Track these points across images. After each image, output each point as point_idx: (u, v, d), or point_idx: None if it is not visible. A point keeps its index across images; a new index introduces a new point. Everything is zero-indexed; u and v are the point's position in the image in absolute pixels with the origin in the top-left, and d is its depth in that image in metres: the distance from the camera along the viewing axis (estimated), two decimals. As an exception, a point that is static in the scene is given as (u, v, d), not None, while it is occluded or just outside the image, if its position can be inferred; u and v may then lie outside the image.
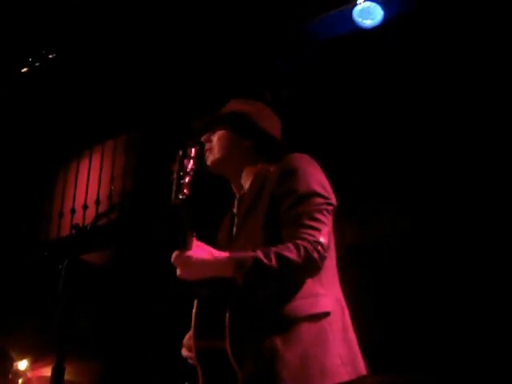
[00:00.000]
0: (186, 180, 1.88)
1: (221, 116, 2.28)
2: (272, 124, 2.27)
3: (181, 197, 1.85)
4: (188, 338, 2.10)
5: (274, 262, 1.82)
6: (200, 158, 2.02)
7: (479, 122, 4.51)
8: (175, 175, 1.90)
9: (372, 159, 4.79)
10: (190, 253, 1.86)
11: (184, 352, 2.11)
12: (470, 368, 4.12)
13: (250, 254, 1.86)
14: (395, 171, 4.68)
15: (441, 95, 4.71)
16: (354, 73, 5.04)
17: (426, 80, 4.75)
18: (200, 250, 1.88)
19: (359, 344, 2.00)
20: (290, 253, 1.83)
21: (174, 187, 1.87)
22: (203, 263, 1.87)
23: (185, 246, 1.85)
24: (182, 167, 1.90)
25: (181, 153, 1.95)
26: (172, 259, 1.89)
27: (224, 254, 1.89)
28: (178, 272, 1.90)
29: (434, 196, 4.54)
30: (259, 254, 1.84)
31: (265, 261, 1.82)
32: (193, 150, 1.97)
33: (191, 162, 1.93)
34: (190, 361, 2.09)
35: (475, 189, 4.40)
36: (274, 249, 1.85)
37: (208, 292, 1.97)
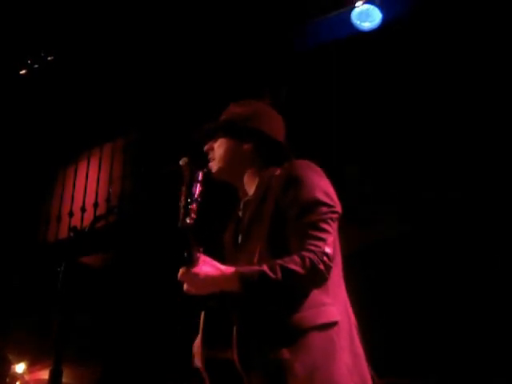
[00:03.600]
0: (194, 206, 1.91)
1: (218, 123, 2.27)
2: (271, 125, 2.24)
3: (188, 221, 1.88)
4: (197, 347, 2.10)
5: (279, 275, 1.82)
6: (206, 180, 2.05)
7: (478, 122, 4.51)
8: (183, 199, 1.94)
9: (371, 159, 4.79)
10: (196, 269, 1.87)
11: (197, 362, 2.10)
12: (469, 369, 4.12)
13: (256, 268, 1.87)
14: (395, 171, 4.68)
15: (439, 97, 4.72)
16: (352, 75, 5.04)
17: (425, 82, 4.76)
18: (206, 266, 1.89)
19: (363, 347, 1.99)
20: (296, 265, 1.83)
21: (182, 211, 1.91)
22: (210, 279, 1.88)
23: (191, 262, 1.86)
24: (190, 193, 1.94)
25: (188, 177, 1.99)
26: (179, 276, 1.90)
27: (230, 269, 1.89)
28: (185, 287, 1.91)
29: (434, 197, 4.54)
30: (265, 268, 1.84)
31: (271, 275, 1.82)
32: (200, 173, 2.01)
33: (198, 186, 1.97)
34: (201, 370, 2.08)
35: (474, 189, 4.40)
36: (279, 262, 1.85)
37: (215, 304, 1.97)
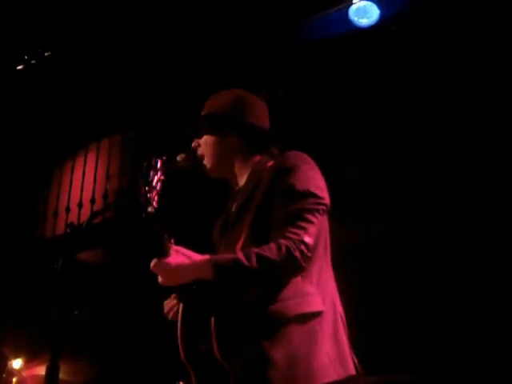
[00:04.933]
0: (154, 193, 1.87)
1: (199, 120, 2.26)
2: (252, 111, 2.22)
3: (150, 210, 1.84)
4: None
5: (254, 262, 1.80)
6: (168, 167, 1.99)
7: (478, 121, 4.51)
8: (141, 189, 1.89)
9: (370, 158, 4.79)
10: (168, 259, 1.85)
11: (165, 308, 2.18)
12: (469, 368, 4.12)
13: (231, 256, 1.86)
14: (395, 171, 4.67)
15: (437, 94, 4.71)
16: (351, 72, 5.03)
17: (424, 80, 4.75)
18: (178, 255, 1.87)
19: (355, 343, 1.99)
20: (271, 253, 1.82)
21: (142, 200, 1.87)
22: (183, 268, 1.86)
23: (162, 253, 1.84)
24: (147, 181, 1.90)
25: (145, 165, 1.94)
26: (151, 267, 1.88)
27: (203, 257, 1.88)
28: (160, 279, 1.90)
29: (434, 197, 4.53)
30: (240, 255, 1.83)
31: (245, 262, 1.80)
32: (158, 160, 1.96)
33: (158, 173, 1.92)
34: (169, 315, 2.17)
35: (474, 189, 4.40)
36: (255, 250, 1.84)
37: (193, 295, 1.95)
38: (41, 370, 6.33)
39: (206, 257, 1.88)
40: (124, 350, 6.09)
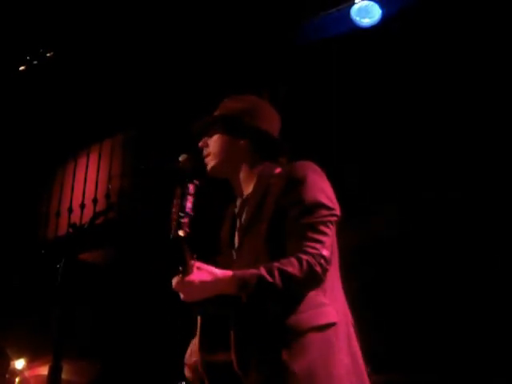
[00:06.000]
0: (186, 220, 1.88)
1: (212, 120, 2.26)
2: (267, 120, 2.22)
3: (181, 234, 1.85)
4: (189, 356, 2.09)
5: (277, 278, 1.82)
6: (198, 193, 2.00)
7: (479, 121, 4.50)
8: (175, 212, 1.90)
9: (370, 158, 4.78)
10: (191, 277, 1.85)
11: (187, 373, 2.10)
12: (469, 368, 4.12)
13: (254, 271, 1.86)
14: (395, 171, 4.67)
15: (437, 94, 4.71)
16: (352, 72, 5.03)
17: (425, 80, 4.75)
18: (201, 273, 1.87)
19: (361, 345, 2.00)
20: (293, 268, 1.83)
21: (174, 223, 1.88)
22: (206, 285, 1.87)
23: (185, 271, 1.85)
24: (182, 206, 1.91)
25: (180, 190, 1.95)
26: (173, 285, 1.89)
27: (226, 273, 1.88)
28: (182, 296, 1.90)
29: (434, 197, 4.53)
30: (262, 271, 1.83)
31: (268, 278, 1.81)
32: (191, 186, 1.97)
33: (190, 200, 1.94)
34: (191, 380, 2.09)
35: (474, 189, 4.40)
36: (276, 264, 1.84)
37: (213, 309, 1.97)
38: (43, 370, 6.34)
39: (229, 273, 1.88)
40: (126, 350, 6.10)
